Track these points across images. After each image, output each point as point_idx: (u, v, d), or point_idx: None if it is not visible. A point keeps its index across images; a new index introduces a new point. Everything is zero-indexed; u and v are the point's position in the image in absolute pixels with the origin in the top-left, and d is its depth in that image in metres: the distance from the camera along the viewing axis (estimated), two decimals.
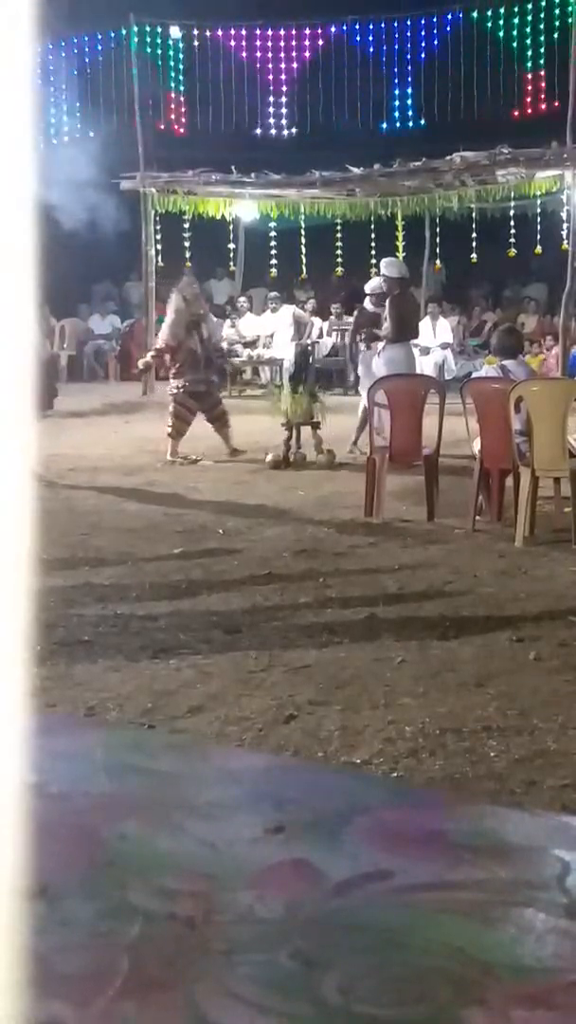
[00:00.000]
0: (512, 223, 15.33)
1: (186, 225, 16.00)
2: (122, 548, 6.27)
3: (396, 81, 18.29)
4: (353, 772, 3.07)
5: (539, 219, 15.58)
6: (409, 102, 18.56)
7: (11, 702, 0.91)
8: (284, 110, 18.36)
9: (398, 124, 18.63)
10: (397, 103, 18.61)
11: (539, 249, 15.66)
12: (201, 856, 1.25)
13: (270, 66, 17.88)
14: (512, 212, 15.23)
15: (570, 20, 15.05)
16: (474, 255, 15.95)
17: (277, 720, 3.75)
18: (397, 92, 18.52)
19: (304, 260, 16.53)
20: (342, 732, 3.64)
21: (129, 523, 7.01)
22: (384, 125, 18.56)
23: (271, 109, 18.36)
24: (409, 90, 18.42)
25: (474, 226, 15.75)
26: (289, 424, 9.32)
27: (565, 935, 1.11)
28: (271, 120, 18.41)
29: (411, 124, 18.49)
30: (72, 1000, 1.01)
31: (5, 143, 0.86)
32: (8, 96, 0.85)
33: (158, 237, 16.07)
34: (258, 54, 17.84)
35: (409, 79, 18.25)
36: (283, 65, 17.92)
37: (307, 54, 17.81)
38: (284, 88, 18.10)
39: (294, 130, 18.39)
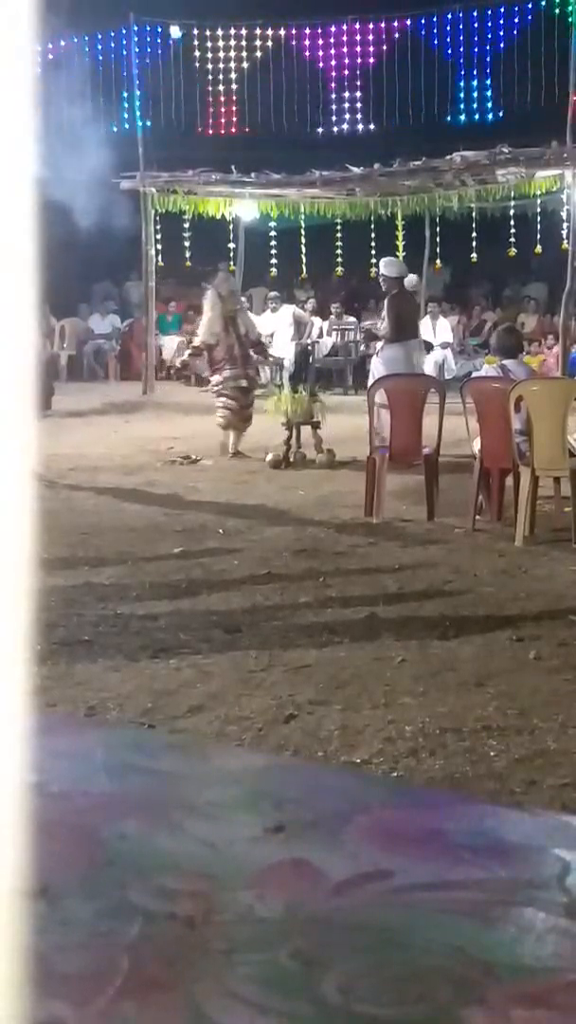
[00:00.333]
0: (512, 222, 15.33)
1: (186, 225, 16.00)
2: (122, 548, 6.27)
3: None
4: (353, 772, 3.07)
5: (539, 218, 15.59)
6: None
7: (11, 701, 0.91)
8: (359, 105, 18.26)
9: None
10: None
11: (539, 249, 15.67)
12: (201, 856, 1.25)
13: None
14: (512, 211, 15.24)
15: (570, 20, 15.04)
16: (474, 254, 15.96)
17: (277, 720, 3.75)
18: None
19: (304, 260, 16.53)
20: (342, 732, 3.64)
21: (129, 523, 7.01)
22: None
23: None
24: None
25: (474, 225, 15.76)
26: (289, 424, 9.31)
27: (565, 934, 1.11)
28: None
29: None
30: (72, 1000, 1.01)
31: (5, 143, 0.86)
32: (8, 96, 0.85)
33: (158, 237, 16.06)
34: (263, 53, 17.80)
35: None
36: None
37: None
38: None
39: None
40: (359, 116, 18.32)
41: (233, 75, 17.89)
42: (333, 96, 18.24)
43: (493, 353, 8.44)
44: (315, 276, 17.77)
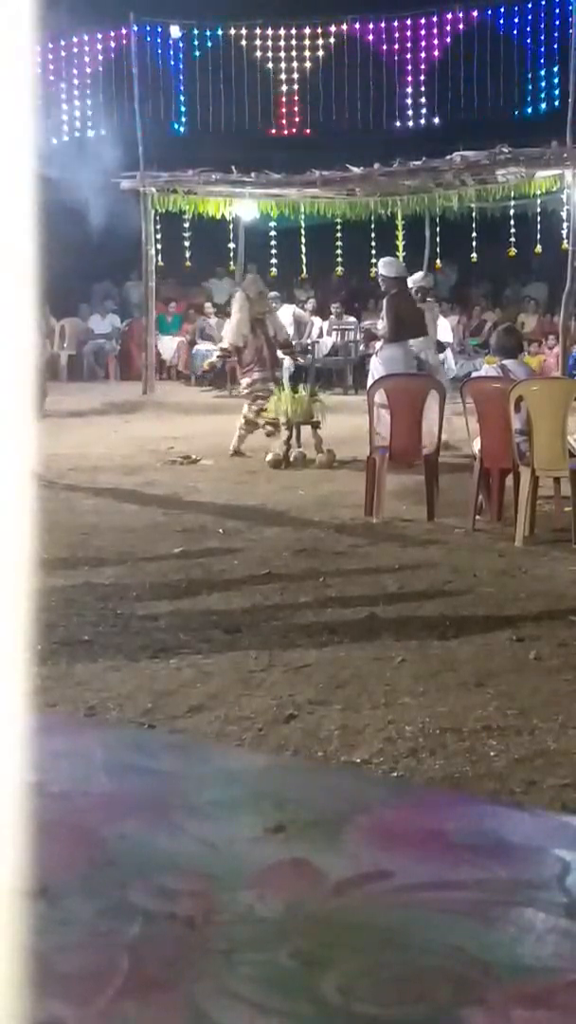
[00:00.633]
0: (512, 222, 15.33)
1: (186, 224, 16.00)
2: (122, 548, 6.27)
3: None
4: (353, 772, 3.07)
5: (539, 218, 15.59)
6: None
7: (11, 701, 0.91)
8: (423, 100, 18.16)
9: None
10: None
11: (539, 248, 15.66)
12: (201, 856, 1.25)
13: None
14: (512, 211, 15.24)
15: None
16: (474, 254, 15.95)
17: (277, 720, 3.75)
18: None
19: (304, 259, 16.52)
20: (342, 732, 3.64)
21: (129, 523, 7.01)
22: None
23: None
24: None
25: (474, 225, 15.75)
26: (289, 424, 9.31)
27: (565, 935, 1.11)
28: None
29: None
30: (72, 1000, 1.01)
31: (5, 142, 0.85)
32: (8, 95, 0.85)
33: (158, 237, 16.06)
34: (269, 53, 17.78)
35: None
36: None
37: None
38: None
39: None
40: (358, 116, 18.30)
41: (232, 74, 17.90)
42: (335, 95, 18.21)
43: (493, 353, 8.44)
44: (315, 276, 17.77)
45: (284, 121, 18.36)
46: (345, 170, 14.68)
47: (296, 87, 18.01)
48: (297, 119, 18.40)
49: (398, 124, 18.39)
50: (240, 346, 9.76)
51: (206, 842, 1.26)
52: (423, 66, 17.97)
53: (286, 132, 18.41)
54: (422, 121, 18.35)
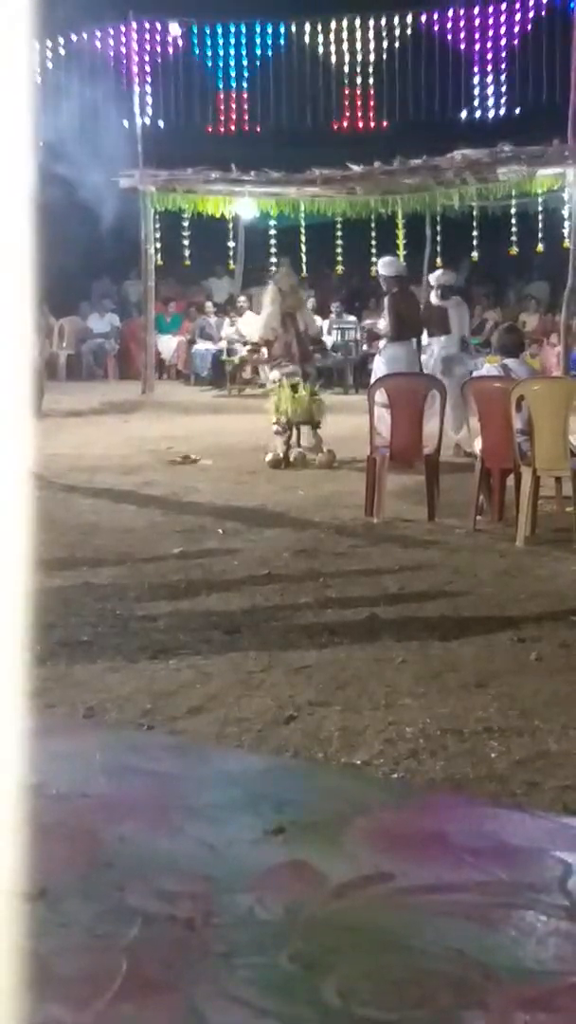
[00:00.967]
0: (513, 221, 15.31)
1: (185, 223, 15.99)
2: (121, 548, 6.26)
3: None
4: (353, 773, 3.06)
5: (540, 217, 15.57)
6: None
7: (11, 703, 0.90)
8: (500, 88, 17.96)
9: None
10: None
11: (540, 247, 15.64)
12: (200, 858, 1.25)
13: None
14: (513, 210, 15.22)
15: None
16: (475, 253, 15.94)
17: (277, 721, 3.74)
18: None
19: (304, 258, 16.51)
20: (342, 733, 3.64)
21: (128, 523, 7.00)
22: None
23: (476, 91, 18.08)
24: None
25: (475, 224, 15.74)
26: (289, 424, 9.30)
27: (566, 937, 1.10)
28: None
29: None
30: (71, 1002, 1.01)
31: (5, 142, 0.85)
32: (8, 95, 0.84)
33: (157, 235, 16.05)
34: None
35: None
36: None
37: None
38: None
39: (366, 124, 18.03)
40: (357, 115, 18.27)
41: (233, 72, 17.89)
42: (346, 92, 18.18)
43: (494, 352, 8.44)
44: (315, 275, 17.75)
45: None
46: (345, 168, 14.68)
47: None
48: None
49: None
50: (270, 340, 9.72)
51: (205, 844, 1.26)
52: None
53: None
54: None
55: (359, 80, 17.78)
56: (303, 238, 16.38)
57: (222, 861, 1.24)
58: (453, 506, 7.19)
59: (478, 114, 18.09)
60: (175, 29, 17.52)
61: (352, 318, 17.54)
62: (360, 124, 18.26)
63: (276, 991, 1.01)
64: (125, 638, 4.64)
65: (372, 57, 17.46)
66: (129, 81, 16.29)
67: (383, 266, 10.00)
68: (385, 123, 18.16)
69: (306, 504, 7.60)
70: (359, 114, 18.25)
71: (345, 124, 18.23)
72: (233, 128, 18.54)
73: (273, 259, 16.01)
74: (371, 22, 17.38)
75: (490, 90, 17.99)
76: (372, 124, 18.23)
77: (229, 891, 1.17)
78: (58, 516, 6.98)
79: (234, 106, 18.36)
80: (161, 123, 17.91)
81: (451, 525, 6.88)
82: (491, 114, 17.91)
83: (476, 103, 18.06)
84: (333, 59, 17.48)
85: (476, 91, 18.08)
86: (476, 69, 17.90)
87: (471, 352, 10.39)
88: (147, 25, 17.08)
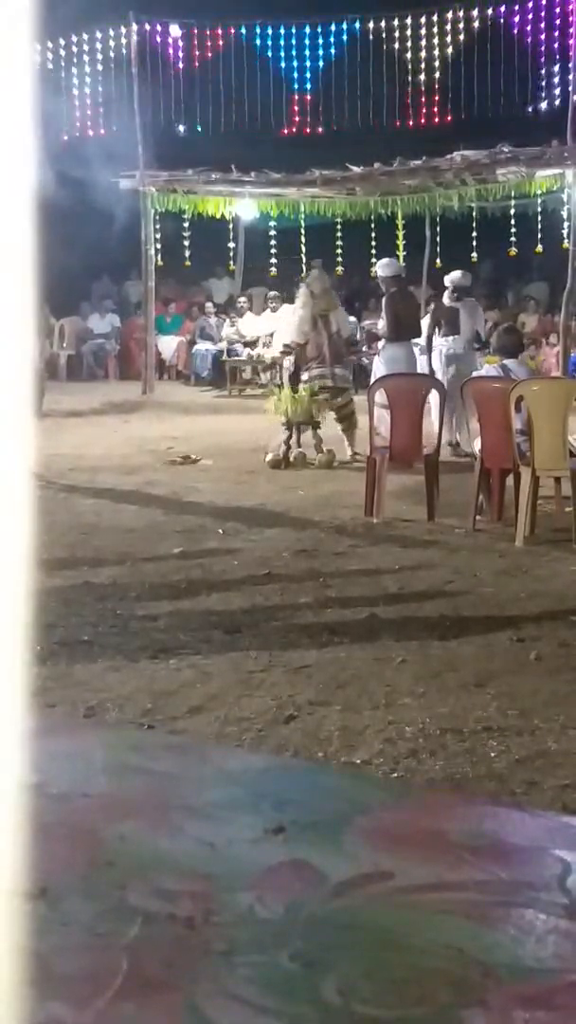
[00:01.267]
0: (513, 222, 15.31)
1: (186, 224, 15.98)
2: (121, 548, 6.27)
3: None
4: (353, 773, 3.07)
5: (540, 218, 15.58)
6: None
7: (11, 702, 0.91)
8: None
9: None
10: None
11: (540, 248, 15.65)
12: (201, 857, 1.25)
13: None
14: (513, 211, 15.22)
15: None
16: (474, 254, 15.94)
17: (277, 720, 3.74)
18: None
19: (304, 259, 16.51)
20: (342, 732, 3.64)
21: (128, 523, 7.00)
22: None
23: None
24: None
25: (474, 225, 15.74)
26: (289, 424, 9.31)
27: (566, 936, 1.11)
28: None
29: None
30: (71, 1001, 1.01)
31: (5, 141, 0.85)
32: (8, 94, 0.85)
33: (158, 236, 16.05)
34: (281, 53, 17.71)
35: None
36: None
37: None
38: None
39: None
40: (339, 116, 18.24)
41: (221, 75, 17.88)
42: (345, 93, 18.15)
43: (493, 353, 8.44)
44: None
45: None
46: (345, 169, 14.68)
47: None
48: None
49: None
50: (302, 343, 9.64)
51: (206, 843, 1.26)
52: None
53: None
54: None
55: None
56: (303, 239, 16.38)
57: (222, 860, 1.24)
58: (453, 506, 7.20)
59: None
60: (176, 31, 17.51)
61: (352, 319, 17.53)
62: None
63: (276, 989, 1.01)
64: (125, 638, 4.65)
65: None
66: (130, 81, 16.27)
67: (382, 267, 10.02)
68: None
69: (306, 504, 7.60)
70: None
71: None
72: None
73: (273, 260, 16.02)
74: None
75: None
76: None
77: (229, 890, 1.18)
78: (58, 516, 6.98)
79: (235, 107, 18.34)
80: (181, 128, 17.94)
81: (451, 525, 6.88)
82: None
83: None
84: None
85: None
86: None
87: (479, 352, 10.35)
88: (147, 27, 17.07)
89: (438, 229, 16.55)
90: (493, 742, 3.55)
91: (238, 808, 1.37)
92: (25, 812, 0.95)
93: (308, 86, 18.08)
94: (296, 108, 18.37)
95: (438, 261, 16.95)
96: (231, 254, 17.41)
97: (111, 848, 1.26)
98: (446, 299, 10.51)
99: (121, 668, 4.26)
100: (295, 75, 17.90)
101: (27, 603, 0.90)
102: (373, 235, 16.03)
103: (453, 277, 10.62)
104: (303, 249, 16.39)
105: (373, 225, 15.92)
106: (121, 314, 19.11)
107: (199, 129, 17.83)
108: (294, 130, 18.41)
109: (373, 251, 15.44)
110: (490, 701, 3.92)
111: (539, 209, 15.45)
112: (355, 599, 5.23)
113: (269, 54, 17.77)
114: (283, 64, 17.78)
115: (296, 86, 18.08)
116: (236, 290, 18.41)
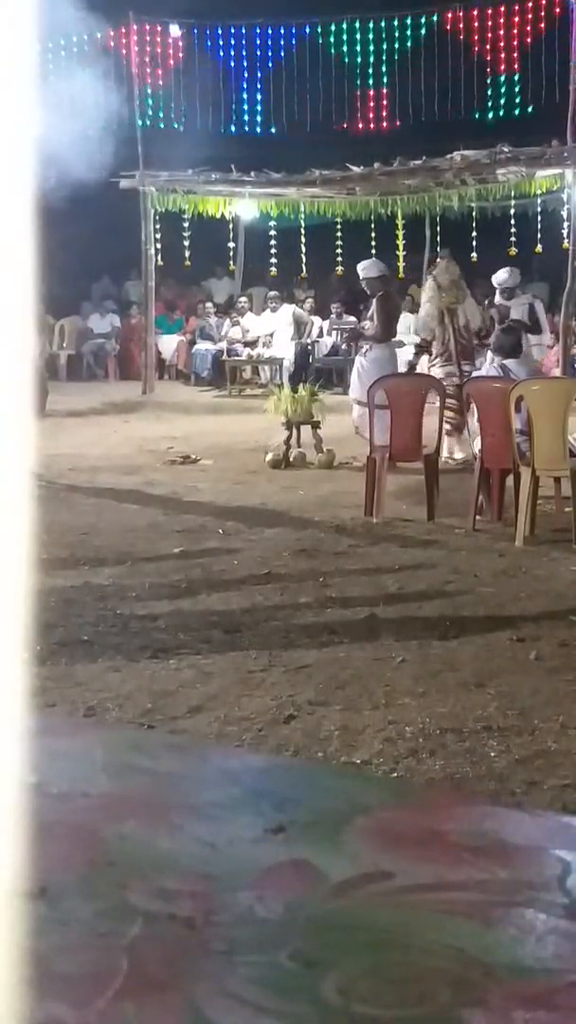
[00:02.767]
0: (512, 222, 15.32)
1: (186, 224, 15.98)
2: (122, 548, 6.27)
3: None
4: (353, 772, 3.07)
5: (539, 218, 15.58)
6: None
7: (11, 702, 0.91)
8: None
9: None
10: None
11: (539, 248, 15.65)
12: (201, 856, 1.25)
13: None
14: (512, 211, 15.23)
15: None
16: (474, 254, 15.94)
17: (277, 720, 3.75)
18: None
19: (304, 259, 16.52)
20: (342, 732, 3.64)
21: (129, 523, 7.00)
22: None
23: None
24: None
25: (474, 225, 15.75)
26: (289, 424, 9.31)
27: (566, 936, 1.11)
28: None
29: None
30: (71, 1001, 1.01)
31: (5, 141, 0.85)
32: (8, 94, 0.85)
33: (158, 236, 16.05)
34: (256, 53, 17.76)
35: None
36: None
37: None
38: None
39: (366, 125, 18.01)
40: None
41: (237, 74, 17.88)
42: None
43: (493, 353, 8.43)
44: (315, 275, 17.75)
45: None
46: (345, 169, 14.68)
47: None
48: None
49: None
50: (429, 340, 9.43)
51: (206, 843, 1.26)
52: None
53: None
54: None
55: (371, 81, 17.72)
56: (303, 239, 16.38)
57: (222, 859, 1.24)
58: (452, 506, 7.20)
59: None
60: (175, 30, 17.51)
61: (352, 319, 17.52)
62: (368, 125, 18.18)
63: (276, 989, 1.01)
64: (125, 637, 4.65)
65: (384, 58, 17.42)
66: (130, 81, 16.27)
67: (366, 269, 9.68)
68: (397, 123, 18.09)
69: (306, 504, 7.60)
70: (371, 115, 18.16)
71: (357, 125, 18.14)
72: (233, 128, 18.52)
73: (273, 260, 16.01)
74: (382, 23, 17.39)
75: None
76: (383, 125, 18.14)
77: (229, 889, 1.18)
78: (59, 516, 6.98)
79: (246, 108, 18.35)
80: (178, 126, 17.93)
81: (450, 525, 6.88)
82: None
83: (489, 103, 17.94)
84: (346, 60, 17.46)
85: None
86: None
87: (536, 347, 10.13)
88: (147, 27, 17.08)
89: (438, 229, 16.56)
90: (493, 742, 3.56)
91: (238, 808, 1.37)
92: (25, 811, 0.95)
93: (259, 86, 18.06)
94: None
95: (438, 261, 16.95)
96: (231, 254, 17.40)
97: (111, 847, 1.26)
98: (498, 299, 10.45)
99: (121, 668, 4.27)
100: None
101: (27, 603, 0.90)
102: (373, 235, 16.03)
103: (500, 278, 10.53)
104: (303, 249, 16.39)
105: (373, 225, 15.93)
106: (121, 314, 19.12)
107: (176, 126, 17.77)
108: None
109: (373, 251, 15.43)
110: (490, 701, 3.92)
111: (539, 209, 15.46)
112: (355, 599, 5.23)
113: (269, 54, 17.80)
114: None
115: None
116: (236, 290, 18.42)
